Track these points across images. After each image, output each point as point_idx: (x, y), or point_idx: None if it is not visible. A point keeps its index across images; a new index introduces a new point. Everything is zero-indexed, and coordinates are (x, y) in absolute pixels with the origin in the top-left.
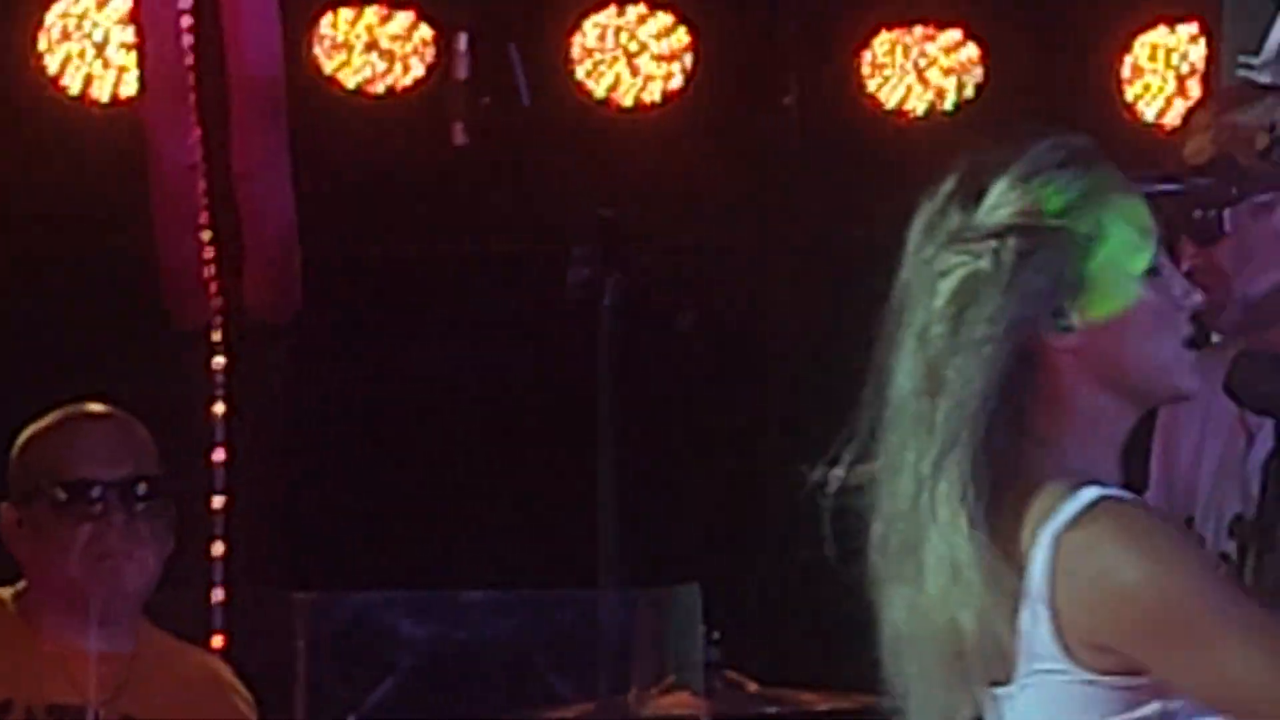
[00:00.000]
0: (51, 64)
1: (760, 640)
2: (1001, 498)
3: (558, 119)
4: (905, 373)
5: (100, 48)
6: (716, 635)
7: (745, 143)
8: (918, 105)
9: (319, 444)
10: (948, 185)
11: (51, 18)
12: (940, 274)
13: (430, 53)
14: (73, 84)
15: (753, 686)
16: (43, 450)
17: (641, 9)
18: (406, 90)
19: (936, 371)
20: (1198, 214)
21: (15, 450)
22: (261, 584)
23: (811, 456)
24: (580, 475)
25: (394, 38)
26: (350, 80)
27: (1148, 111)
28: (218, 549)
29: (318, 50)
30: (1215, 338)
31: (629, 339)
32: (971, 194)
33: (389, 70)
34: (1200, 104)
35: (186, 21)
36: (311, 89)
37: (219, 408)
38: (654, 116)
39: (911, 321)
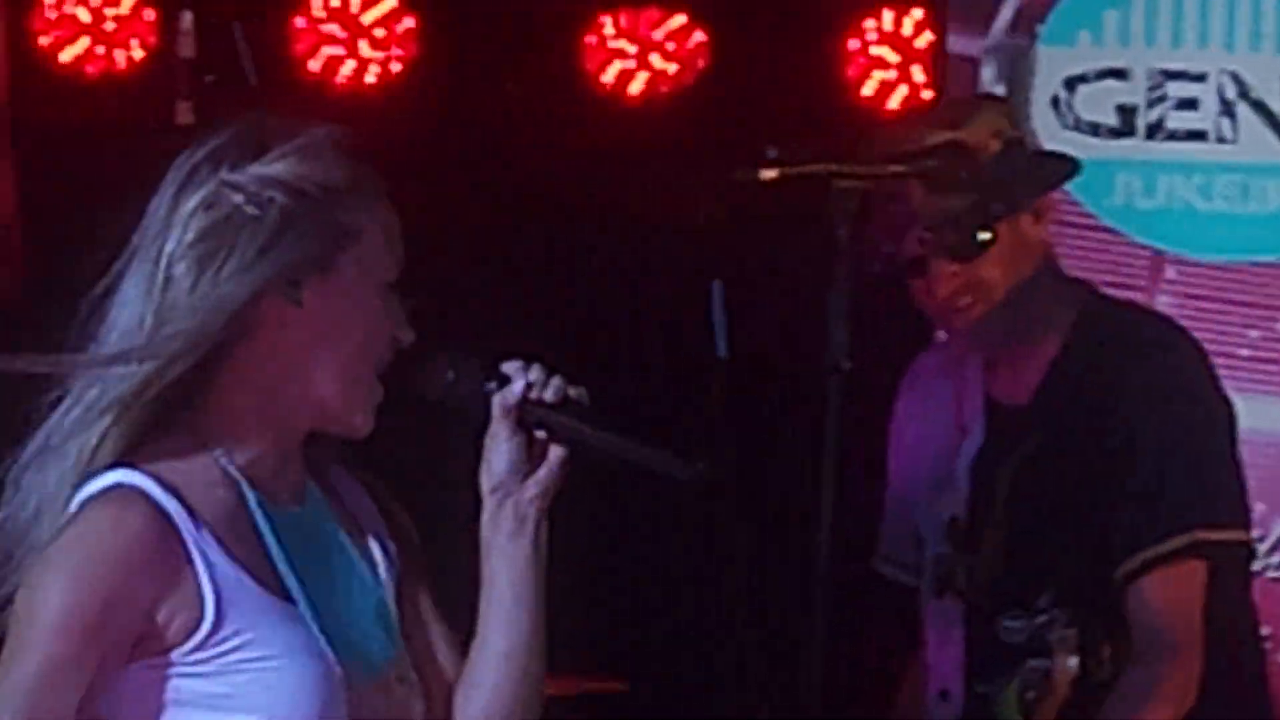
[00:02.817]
0: None
1: None
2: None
3: (281, 98)
4: (126, 306)
5: None
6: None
7: (466, 126)
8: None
9: None
10: (228, 132)
11: None
12: (201, 208)
13: (153, 34)
14: None
15: None
16: None
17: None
18: (127, 70)
19: (162, 309)
20: (952, 236)
21: None
22: None
23: None
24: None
25: (118, 18)
26: (69, 59)
27: (872, 96)
28: None
29: (38, 28)
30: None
31: None
32: (251, 146)
33: (110, 51)
34: (928, 110)
35: None
36: (32, 67)
37: None
38: (374, 99)
39: (152, 255)
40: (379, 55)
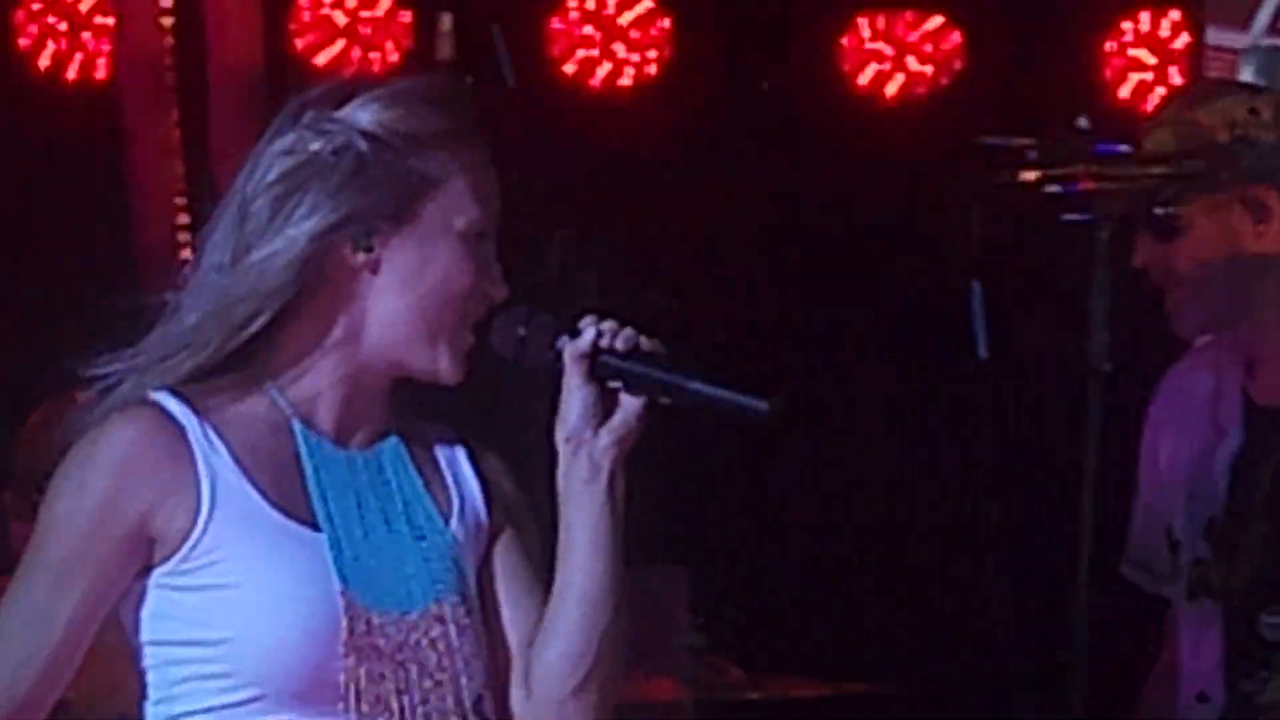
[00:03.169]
0: (26, 43)
1: (744, 625)
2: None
3: (540, 100)
4: (215, 245)
5: (77, 28)
6: (700, 619)
7: (720, 126)
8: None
9: None
10: (322, 87)
11: None
12: (283, 152)
13: (408, 36)
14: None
15: (735, 672)
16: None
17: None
18: (383, 72)
19: (244, 248)
20: (1158, 210)
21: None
22: None
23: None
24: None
25: (373, 21)
26: (324, 62)
27: (1128, 97)
28: None
29: (294, 30)
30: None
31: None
32: (341, 94)
33: (365, 54)
34: (1176, 94)
35: (166, 2)
36: (289, 70)
37: None
38: (629, 100)
39: (240, 192)
40: (634, 57)
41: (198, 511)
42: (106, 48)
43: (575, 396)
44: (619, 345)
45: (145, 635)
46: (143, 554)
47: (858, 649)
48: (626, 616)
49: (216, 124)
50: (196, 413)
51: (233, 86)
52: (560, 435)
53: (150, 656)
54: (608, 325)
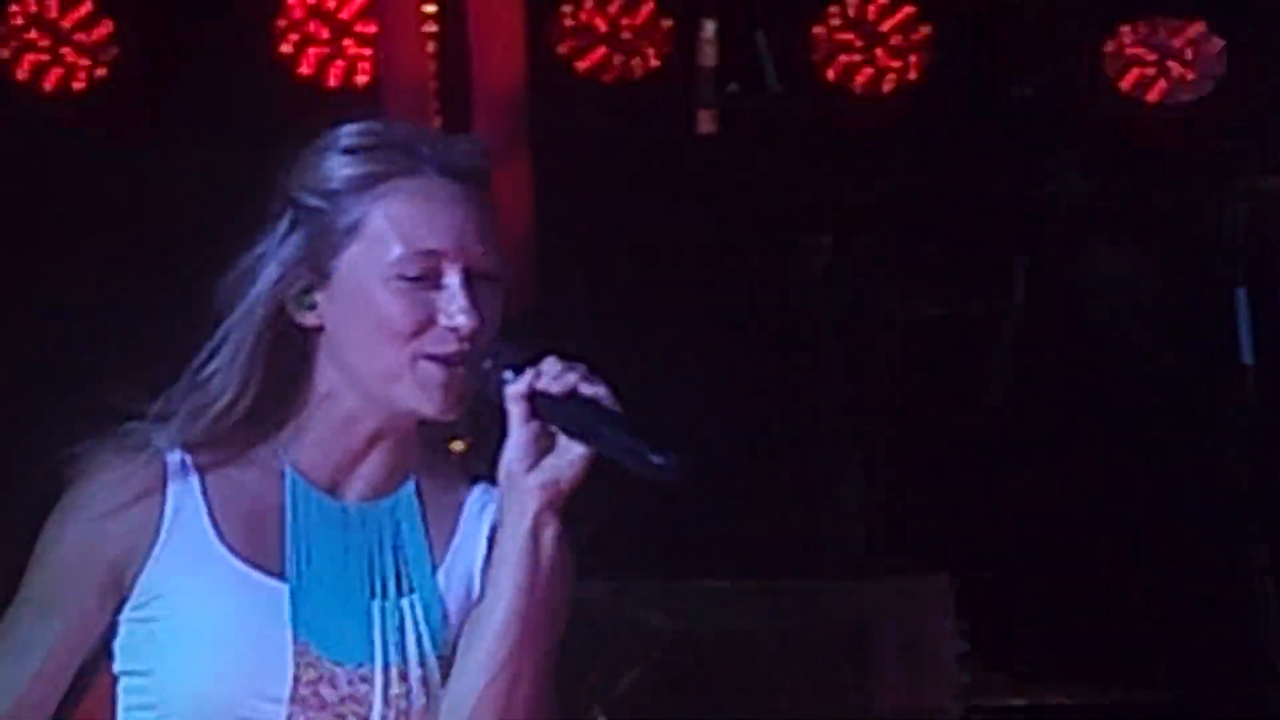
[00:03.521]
0: (289, 49)
1: (1011, 633)
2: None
3: (803, 106)
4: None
5: (339, 34)
6: (966, 627)
7: (981, 132)
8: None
9: None
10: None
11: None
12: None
13: (669, 42)
14: (308, 69)
15: (1002, 680)
16: None
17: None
18: (645, 79)
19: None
20: None
21: None
22: None
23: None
24: (824, 464)
25: (633, 27)
26: (585, 67)
27: None
28: None
29: (556, 37)
30: None
31: (861, 327)
32: (311, 152)
33: (627, 60)
34: None
35: (430, 9)
36: (551, 77)
37: None
38: (891, 104)
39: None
40: (896, 63)
41: (150, 548)
42: (368, 52)
43: (512, 435)
44: (554, 389)
45: (115, 667)
46: (117, 593)
47: (1126, 655)
48: (530, 685)
49: (479, 131)
50: (188, 458)
51: (495, 94)
52: (499, 475)
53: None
54: (548, 367)
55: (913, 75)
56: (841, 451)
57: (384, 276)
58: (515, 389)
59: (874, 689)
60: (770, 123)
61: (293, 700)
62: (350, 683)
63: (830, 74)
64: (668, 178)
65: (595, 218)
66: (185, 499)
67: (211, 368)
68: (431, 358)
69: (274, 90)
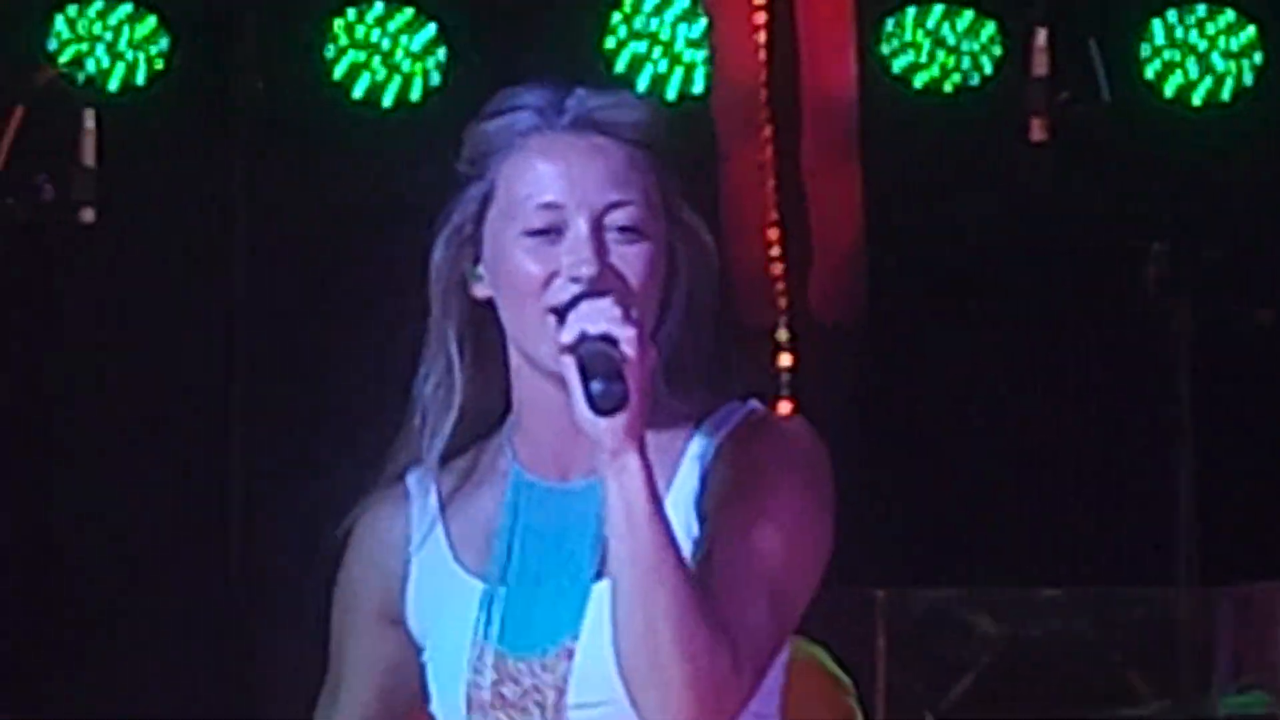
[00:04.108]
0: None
1: None
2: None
3: (1136, 115)
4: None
5: (667, 45)
6: None
7: None
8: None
9: (882, 442)
10: None
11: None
12: None
13: (997, 50)
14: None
15: None
16: None
17: (1205, 8)
18: (975, 88)
19: None
20: None
21: None
22: (839, 581)
23: None
24: (1157, 470)
25: (960, 36)
26: (919, 79)
27: None
28: None
29: (885, 49)
30: None
31: (1206, 334)
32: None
33: (957, 68)
34: None
35: (760, 18)
36: (880, 87)
37: (784, 406)
38: (1226, 115)
39: None
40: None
41: (404, 582)
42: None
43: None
44: (591, 331)
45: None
46: (399, 629)
47: None
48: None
49: (809, 142)
50: (430, 479)
51: (826, 105)
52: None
53: None
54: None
55: (1249, 81)
56: (1181, 459)
57: (514, 234)
58: (561, 341)
59: (1210, 695)
60: (1103, 132)
61: (476, 709)
62: (542, 669)
63: (1162, 85)
64: (1000, 186)
65: (925, 227)
66: (423, 520)
67: (431, 381)
68: (556, 310)
69: None
